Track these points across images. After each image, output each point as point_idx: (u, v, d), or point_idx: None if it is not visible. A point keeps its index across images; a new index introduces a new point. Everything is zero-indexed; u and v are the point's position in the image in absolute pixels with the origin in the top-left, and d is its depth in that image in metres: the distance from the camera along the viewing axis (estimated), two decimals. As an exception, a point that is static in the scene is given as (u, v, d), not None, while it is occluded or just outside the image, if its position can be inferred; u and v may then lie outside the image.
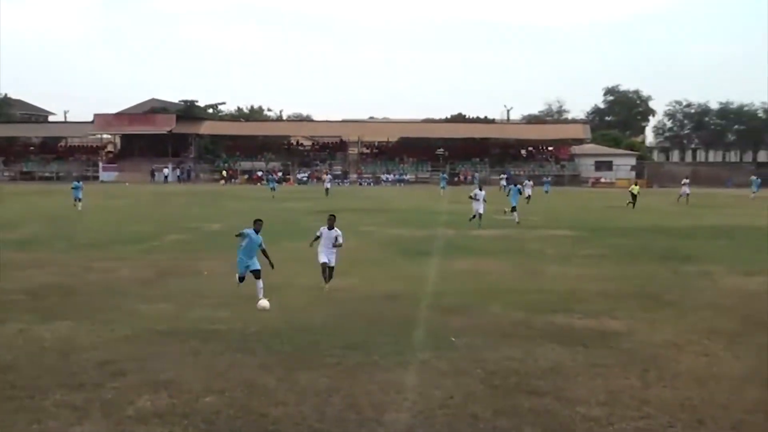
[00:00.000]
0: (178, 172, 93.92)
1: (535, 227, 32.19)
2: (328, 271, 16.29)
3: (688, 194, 52.36)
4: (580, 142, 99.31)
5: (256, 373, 10.11)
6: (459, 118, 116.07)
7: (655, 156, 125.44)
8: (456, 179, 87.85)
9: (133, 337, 12.15)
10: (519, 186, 38.69)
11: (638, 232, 30.84)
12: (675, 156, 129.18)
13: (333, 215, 16.89)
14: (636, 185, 49.68)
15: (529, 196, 50.57)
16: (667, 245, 25.78)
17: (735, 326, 13.36)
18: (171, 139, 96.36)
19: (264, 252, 15.47)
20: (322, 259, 16.26)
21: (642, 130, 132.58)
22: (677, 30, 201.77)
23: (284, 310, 14.14)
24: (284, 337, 12.08)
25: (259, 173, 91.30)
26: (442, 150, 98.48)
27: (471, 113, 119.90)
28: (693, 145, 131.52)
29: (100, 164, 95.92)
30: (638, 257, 22.62)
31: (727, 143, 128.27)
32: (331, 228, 16.42)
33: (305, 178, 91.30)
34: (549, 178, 74.30)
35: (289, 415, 8.59)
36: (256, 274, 15.16)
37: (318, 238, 16.51)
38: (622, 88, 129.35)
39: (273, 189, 58.03)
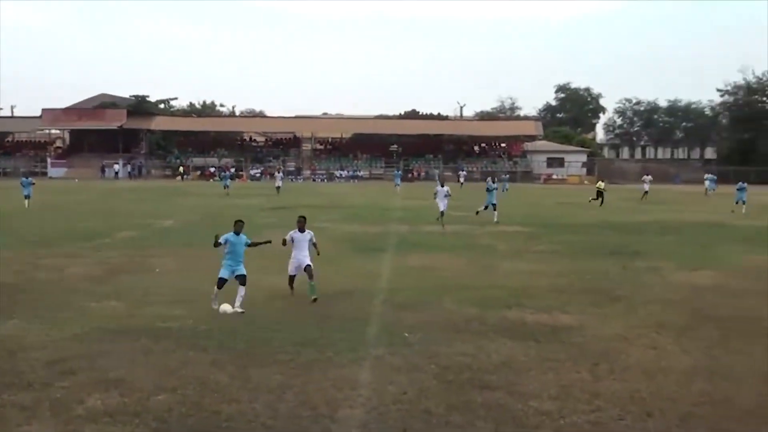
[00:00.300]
0: (129, 168, 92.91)
1: (487, 223, 32.39)
2: (307, 269, 14.80)
3: (647, 192, 52.89)
4: (532, 138, 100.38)
5: (209, 371, 10.03)
6: (412, 115, 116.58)
7: (606, 153, 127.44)
8: (410, 176, 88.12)
9: (82, 335, 11.97)
10: (497, 185, 37.58)
11: (589, 228, 31.21)
12: (625, 153, 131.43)
13: (303, 217, 15.39)
14: (602, 181, 49.40)
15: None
16: (617, 241, 26.13)
17: (683, 320, 13.59)
18: (121, 135, 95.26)
19: (254, 244, 14.61)
20: (291, 269, 15.02)
21: (593, 127, 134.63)
22: (627, 28, 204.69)
23: (237, 307, 14.04)
24: (237, 334, 12.00)
25: (212, 169, 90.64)
26: (395, 146, 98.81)
27: (424, 110, 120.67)
28: (642, 142, 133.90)
29: (49, 160, 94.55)
30: (589, 253, 22.87)
31: (675, 140, 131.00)
32: (302, 231, 15.02)
33: (258, 174, 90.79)
34: (507, 176, 74.67)
35: (241, 412, 8.54)
36: (242, 279, 14.00)
37: (287, 243, 15.14)
38: (573, 85, 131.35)
39: (226, 187, 56.30)
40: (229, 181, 57.89)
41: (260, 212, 36.21)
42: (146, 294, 15.57)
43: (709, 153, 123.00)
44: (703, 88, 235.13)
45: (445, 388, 9.45)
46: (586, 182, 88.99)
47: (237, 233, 14.28)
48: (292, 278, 15.17)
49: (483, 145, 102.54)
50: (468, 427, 8.22)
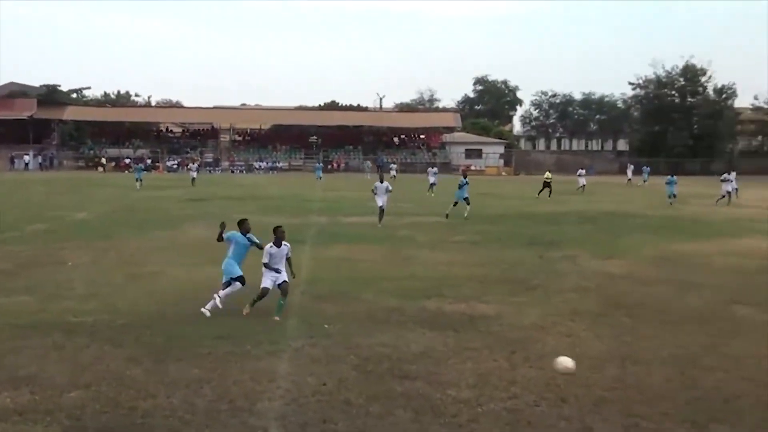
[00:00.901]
0: (39, 159, 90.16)
1: (406, 214, 32.54)
2: (283, 285, 12.93)
3: (584, 185, 53.33)
4: (451, 130, 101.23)
5: (124, 366, 9.84)
6: (332, 106, 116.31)
7: (523, 144, 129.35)
8: (330, 167, 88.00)
9: (-9, 331, 11.60)
10: (467, 179, 34.89)
11: (506, 218, 31.68)
12: (541, 144, 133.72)
13: (281, 227, 13.40)
14: (549, 172, 49.46)
15: (434, 184, 49.66)
16: (533, 231, 26.57)
17: (596, 308, 13.94)
18: (32, 125, 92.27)
19: (257, 245, 13.25)
20: (266, 283, 12.90)
21: (510, 119, 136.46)
22: (544, 24, 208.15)
23: (154, 300, 13.79)
24: (153, 328, 11.79)
25: (127, 160, 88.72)
26: (315, 137, 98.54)
27: (344, 101, 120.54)
28: (558, 134, 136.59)
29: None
30: (506, 243, 23.23)
31: (589, 132, 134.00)
32: (279, 244, 13.13)
33: (175, 166, 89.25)
34: (436, 168, 73.97)
35: (158, 407, 8.41)
36: (240, 280, 13.00)
37: (266, 264, 13.04)
38: (491, 78, 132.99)
39: (139, 180, 52.62)
40: (143, 173, 55.99)
41: (177, 204, 35.72)
42: (58, 288, 15.18)
43: (622, 145, 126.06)
44: (615, 82, 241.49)
45: (365, 379, 9.49)
46: (503, 173, 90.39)
47: (244, 232, 13.24)
48: (264, 293, 12.89)
49: (402, 136, 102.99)
50: (388, 417, 8.26)
